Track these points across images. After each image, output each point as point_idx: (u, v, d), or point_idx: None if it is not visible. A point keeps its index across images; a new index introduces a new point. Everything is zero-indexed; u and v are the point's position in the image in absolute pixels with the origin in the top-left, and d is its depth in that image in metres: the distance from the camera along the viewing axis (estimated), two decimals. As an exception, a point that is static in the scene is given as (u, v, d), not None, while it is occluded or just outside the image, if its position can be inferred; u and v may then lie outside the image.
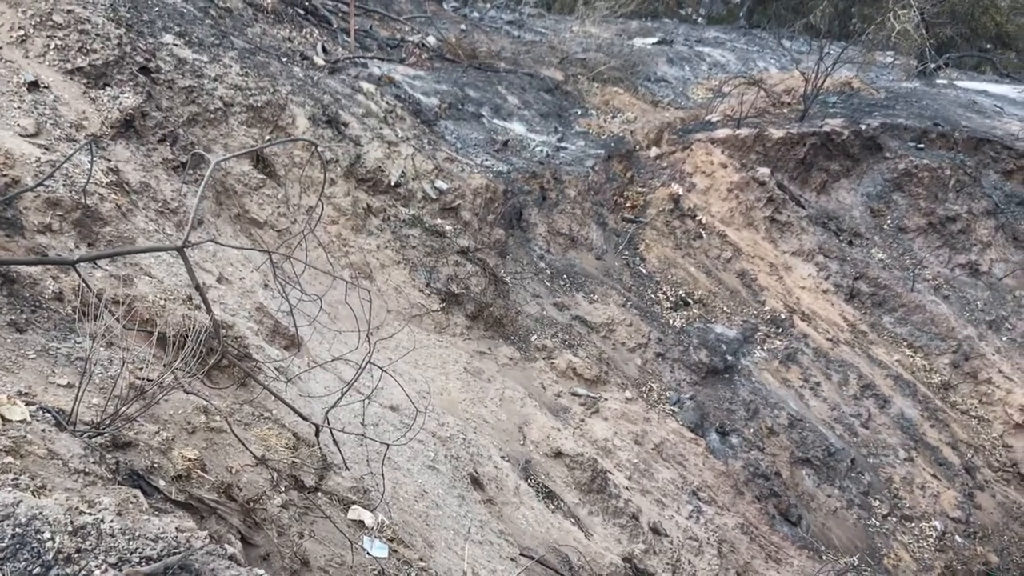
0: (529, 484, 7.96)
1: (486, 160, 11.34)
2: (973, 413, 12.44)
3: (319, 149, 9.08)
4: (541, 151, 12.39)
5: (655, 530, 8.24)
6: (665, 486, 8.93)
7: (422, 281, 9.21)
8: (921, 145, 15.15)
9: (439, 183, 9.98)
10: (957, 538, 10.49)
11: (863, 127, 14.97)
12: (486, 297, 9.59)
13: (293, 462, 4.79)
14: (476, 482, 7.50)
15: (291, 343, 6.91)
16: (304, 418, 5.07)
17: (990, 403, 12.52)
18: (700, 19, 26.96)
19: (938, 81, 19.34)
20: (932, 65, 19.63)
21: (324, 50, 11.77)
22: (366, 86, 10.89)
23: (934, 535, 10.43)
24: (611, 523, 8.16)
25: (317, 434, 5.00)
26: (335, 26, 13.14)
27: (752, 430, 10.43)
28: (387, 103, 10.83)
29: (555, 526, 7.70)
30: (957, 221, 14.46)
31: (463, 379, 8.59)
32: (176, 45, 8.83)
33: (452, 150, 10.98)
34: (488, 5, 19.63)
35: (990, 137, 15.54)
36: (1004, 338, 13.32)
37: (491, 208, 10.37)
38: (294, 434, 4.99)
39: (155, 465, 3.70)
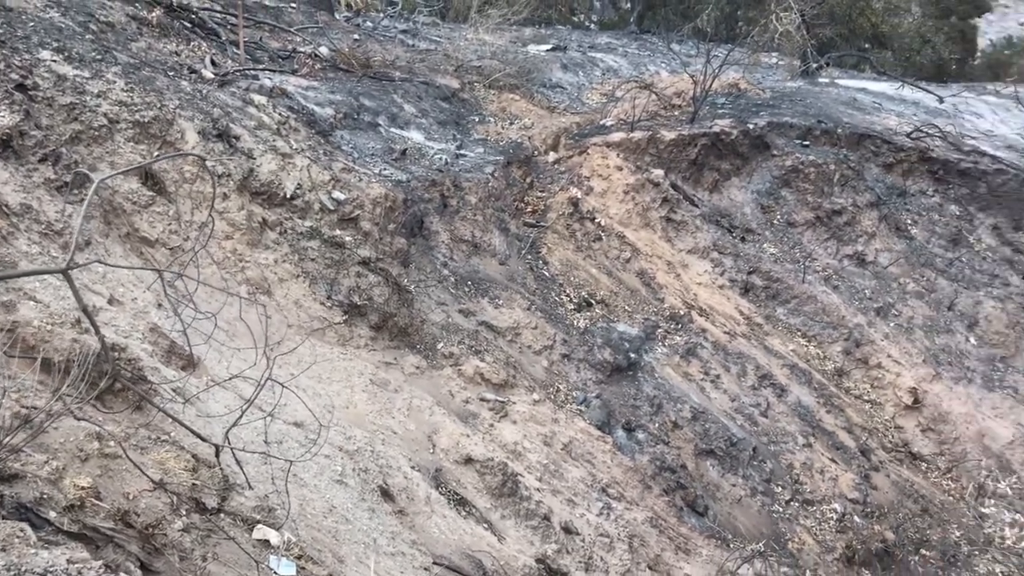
0: (440, 492, 7.95)
1: (384, 169, 11.29)
2: (866, 397, 12.98)
3: (210, 163, 8.89)
4: (440, 159, 12.40)
5: (567, 529, 8.34)
6: (575, 485, 9.05)
7: (323, 294, 9.11)
8: (806, 142, 15.74)
9: (337, 194, 9.89)
10: (856, 518, 10.92)
11: (751, 126, 15.47)
12: (390, 307, 9.55)
13: (193, 484, 4.69)
14: (386, 494, 7.46)
15: (188, 363, 6.75)
16: (203, 439, 4.97)
17: (881, 387, 13.09)
18: (592, 25, 27.43)
19: (820, 80, 20.11)
20: (814, 65, 20.40)
21: (213, 63, 11.54)
22: (257, 98, 10.72)
23: (834, 517, 10.83)
24: (523, 525, 8.22)
25: (217, 454, 4.90)
26: (224, 39, 12.89)
27: (657, 425, 10.66)
28: (280, 115, 10.69)
29: (468, 532, 7.71)
30: (843, 214, 15.07)
31: (369, 391, 8.53)
32: (55, 61, 8.53)
33: (349, 160, 10.90)
34: (381, 15, 19.55)
35: (871, 132, 16.24)
36: (891, 324, 13.94)
37: (391, 217, 10.33)
38: (193, 456, 4.88)
39: (45, 496, 3.57)
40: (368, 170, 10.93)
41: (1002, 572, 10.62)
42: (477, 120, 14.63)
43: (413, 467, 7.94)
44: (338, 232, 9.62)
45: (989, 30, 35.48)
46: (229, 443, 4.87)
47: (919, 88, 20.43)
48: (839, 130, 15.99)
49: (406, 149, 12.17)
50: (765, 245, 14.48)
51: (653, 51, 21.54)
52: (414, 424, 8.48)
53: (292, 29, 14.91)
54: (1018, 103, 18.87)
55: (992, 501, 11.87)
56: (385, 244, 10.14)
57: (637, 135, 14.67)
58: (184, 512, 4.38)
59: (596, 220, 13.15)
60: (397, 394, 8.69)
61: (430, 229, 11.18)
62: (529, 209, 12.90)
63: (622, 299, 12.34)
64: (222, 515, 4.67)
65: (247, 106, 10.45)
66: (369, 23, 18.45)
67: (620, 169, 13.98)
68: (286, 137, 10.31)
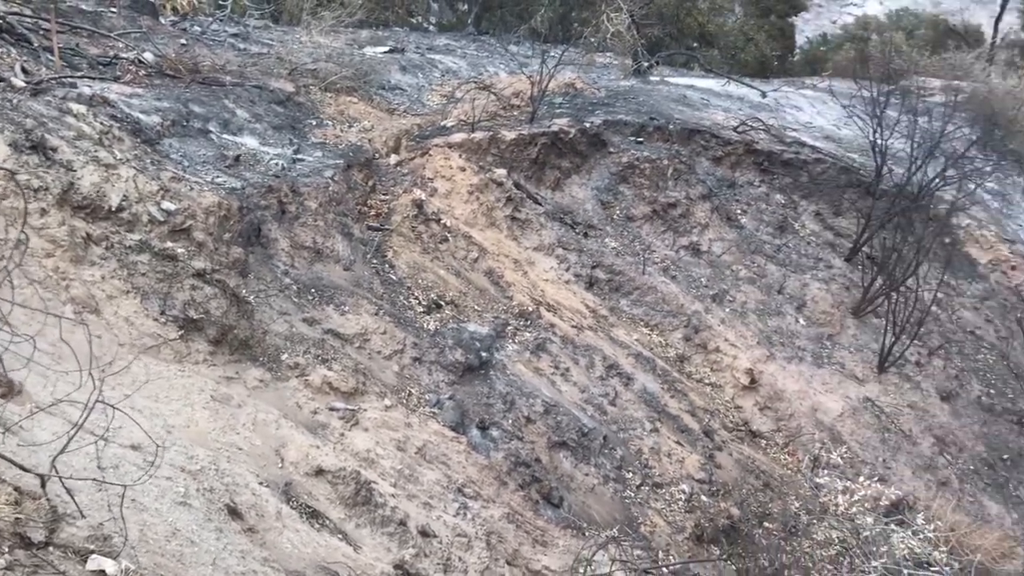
0: (291, 506, 7.77)
1: (217, 177, 10.91)
2: (707, 380, 13.54)
3: (24, 177, 8.34)
4: (276, 164, 12.09)
5: (424, 533, 8.30)
6: (431, 488, 9.02)
7: (156, 309, 8.71)
8: (640, 139, 16.27)
9: (167, 204, 9.48)
10: (703, 497, 11.37)
11: (588, 125, 15.85)
12: (229, 320, 9.23)
13: (17, 518, 4.40)
14: (234, 512, 7.23)
15: (8, 390, 6.34)
16: (25, 469, 4.67)
17: (720, 369, 13.69)
18: (431, 27, 27.41)
19: (652, 78, 20.83)
20: (645, 64, 21.11)
21: (24, 71, 10.84)
22: (76, 107, 10.14)
23: (683, 498, 11.24)
24: (380, 532, 8.13)
25: (43, 484, 4.62)
26: (36, 45, 12.13)
27: (510, 421, 10.76)
28: (102, 124, 10.14)
29: (322, 545, 7.57)
30: (677, 207, 15.66)
31: (211, 408, 8.22)
32: None
33: (179, 169, 10.46)
34: (210, 19, 18.88)
35: (700, 128, 16.96)
36: (727, 309, 14.60)
37: (226, 226, 9.99)
38: (16, 488, 4.58)
39: None
40: (200, 178, 10.53)
41: (838, 537, 11.27)
42: (314, 124, 14.36)
43: (261, 483, 7.72)
44: (169, 244, 9.22)
45: (806, 28, 37.72)
46: (56, 471, 4.61)
47: (744, 84, 21.49)
48: (671, 126, 16.61)
49: (240, 155, 11.79)
50: (607, 240, 14.87)
51: (491, 52, 21.74)
52: (260, 439, 8.23)
53: (113, 34, 14.18)
54: (833, 96, 20.12)
55: (826, 471, 12.62)
56: (221, 254, 9.80)
57: (478, 136, 14.76)
58: (6, 549, 4.12)
59: (442, 221, 13.15)
60: (241, 409, 8.41)
61: (268, 237, 10.88)
62: (372, 213, 12.76)
63: (471, 299, 12.40)
64: (51, 548, 4.41)
65: (64, 116, 9.87)
66: (197, 27, 17.78)
67: (463, 170, 14.04)
68: (109, 147, 9.79)
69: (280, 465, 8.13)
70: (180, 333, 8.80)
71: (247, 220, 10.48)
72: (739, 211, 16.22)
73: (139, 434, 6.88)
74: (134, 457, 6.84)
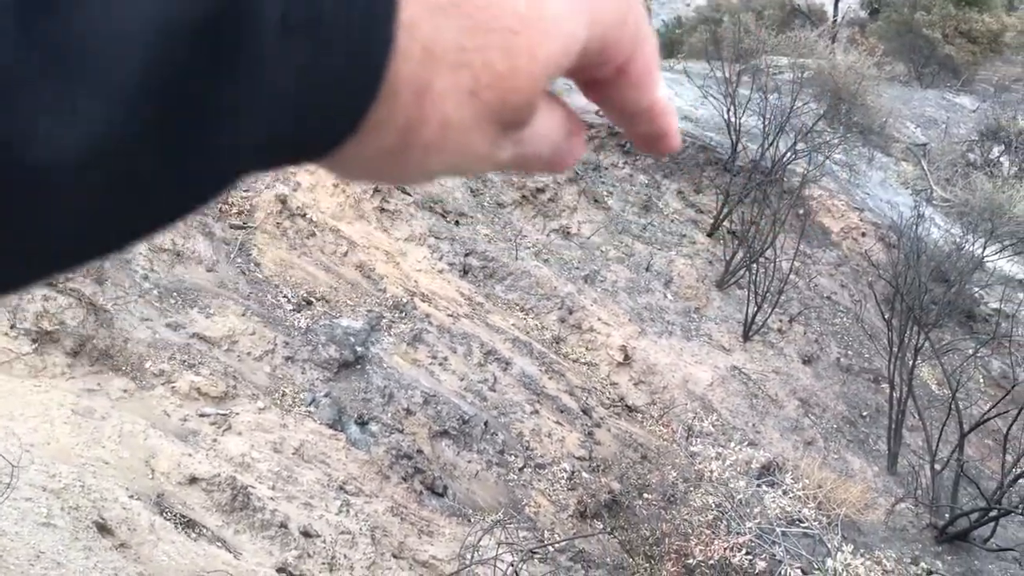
0: (165, 518, 7.54)
1: (65, 182, 10.38)
2: (583, 360, 13.79)
3: None
4: (130, 166, 11.60)
5: (306, 533, 8.18)
6: (311, 487, 8.88)
7: (5, 323, 8.25)
8: (506, 124, 16.36)
9: (10, 213, 8.97)
10: (584, 474, 11.60)
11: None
12: (86, 330, 8.82)
13: None
14: (104, 528, 6.98)
15: None
16: None
17: (595, 348, 13.96)
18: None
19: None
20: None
21: None
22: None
23: (565, 476, 11.44)
24: (260, 537, 7.97)
25: None
26: None
27: (390, 415, 10.69)
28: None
29: (200, 554, 7.38)
30: (546, 191, 15.86)
31: (72, 422, 7.86)
32: None
33: (22, 175, 9.91)
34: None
35: (563, 112, 17.18)
36: (599, 289, 14.91)
37: (78, 233, 9.53)
38: None
39: None
40: (46, 184, 10.00)
41: (714, 502, 11.67)
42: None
43: (132, 496, 7.46)
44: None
45: (661, 11, 38.75)
46: None
47: (603, 68, 21.87)
48: (535, 111, 16.76)
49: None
50: (478, 227, 14.93)
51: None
52: (128, 451, 7.93)
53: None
54: (688, 77, 20.74)
55: (699, 440, 13.06)
56: (75, 262, 9.34)
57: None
58: None
59: (307, 216, 12.90)
60: (105, 421, 8.07)
61: (126, 241, 10.44)
62: (234, 210, 12.40)
63: (343, 294, 12.23)
64: None
65: None
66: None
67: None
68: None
69: (151, 476, 7.87)
70: (34, 347, 8.36)
71: (100, 225, 10.02)
72: (605, 193, 16.56)
73: (-9, 456, 6.55)
74: (-12, 481, 6.50)
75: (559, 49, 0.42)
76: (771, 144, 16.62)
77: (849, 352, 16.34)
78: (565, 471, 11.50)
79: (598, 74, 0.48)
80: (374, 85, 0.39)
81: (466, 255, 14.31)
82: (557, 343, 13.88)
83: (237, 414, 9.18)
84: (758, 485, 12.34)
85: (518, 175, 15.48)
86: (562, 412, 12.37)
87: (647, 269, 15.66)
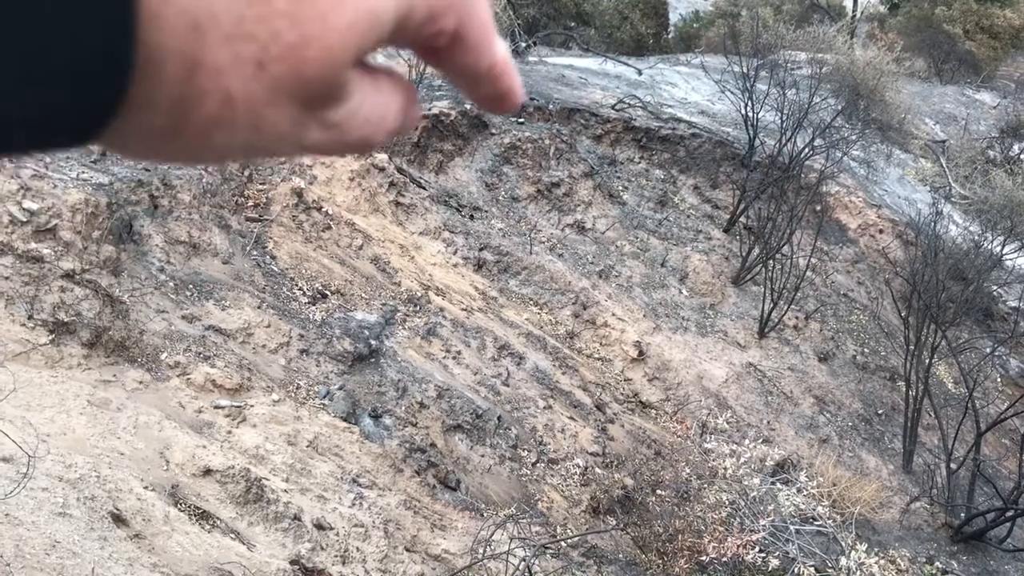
0: (180, 509, 7.57)
1: (83, 173, 10.43)
2: (596, 355, 13.77)
3: None
4: (147, 158, 11.63)
5: (319, 526, 8.20)
6: (324, 480, 8.90)
7: (23, 314, 8.29)
8: (521, 119, 16.33)
9: (28, 204, 9.01)
10: (597, 470, 11.58)
11: (468, 106, 15.81)
12: (103, 321, 8.86)
13: None
14: (119, 519, 7.02)
15: None
16: None
17: (609, 344, 13.93)
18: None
19: (530, 59, 20.92)
20: (523, 44, 21.18)
21: None
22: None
23: (578, 472, 11.43)
24: (273, 529, 7.99)
25: (-102, 507, 4.34)
26: None
27: (403, 408, 10.70)
28: (-49, 121, 9.55)
29: (214, 546, 7.40)
30: (561, 186, 15.82)
31: (88, 413, 7.90)
32: None
33: (40, 165, 9.95)
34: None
35: (579, 106, 17.16)
36: (613, 285, 14.87)
37: (95, 224, 9.57)
38: None
39: None
40: (63, 175, 10.05)
41: (728, 499, 11.65)
42: (186, 115, 13.88)
43: (147, 487, 7.50)
44: (34, 245, 8.78)
45: (679, 5, 38.59)
46: (-89, 492, 4.35)
47: (620, 62, 21.83)
48: (551, 106, 16.74)
49: (105, 149, 11.30)
50: (493, 221, 14.91)
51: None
52: (143, 442, 7.96)
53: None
54: (706, 72, 20.65)
55: (713, 437, 13.03)
56: (91, 253, 9.39)
57: (357, 121, 14.53)
58: None
59: (323, 209, 12.92)
60: (121, 412, 8.11)
61: (141, 233, 10.48)
62: (251, 203, 12.43)
63: (358, 287, 12.24)
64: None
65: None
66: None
67: (342, 155, 13.81)
68: (-40, 145, 9.23)
69: (165, 467, 7.90)
70: (51, 337, 8.40)
71: (117, 216, 10.06)
72: (621, 188, 16.50)
73: (9, 446, 6.59)
74: (6, 470, 6.56)
75: (360, 17, 0.39)
76: (789, 140, 16.52)
77: (865, 350, 16.24)
78: (578, 466, 11.49)
79: (432, 42, 0.46)
80: (123, 61, 0.35)
81: (480, 249, 14.30)
82: (571, 338, 13.85)
83: (252, 406, 9.21)
84: (772, 482, 12.31)
85: (533, 169, 15.46)
86: (575, 407, 12.35)
87: (662, 264, 15.61)
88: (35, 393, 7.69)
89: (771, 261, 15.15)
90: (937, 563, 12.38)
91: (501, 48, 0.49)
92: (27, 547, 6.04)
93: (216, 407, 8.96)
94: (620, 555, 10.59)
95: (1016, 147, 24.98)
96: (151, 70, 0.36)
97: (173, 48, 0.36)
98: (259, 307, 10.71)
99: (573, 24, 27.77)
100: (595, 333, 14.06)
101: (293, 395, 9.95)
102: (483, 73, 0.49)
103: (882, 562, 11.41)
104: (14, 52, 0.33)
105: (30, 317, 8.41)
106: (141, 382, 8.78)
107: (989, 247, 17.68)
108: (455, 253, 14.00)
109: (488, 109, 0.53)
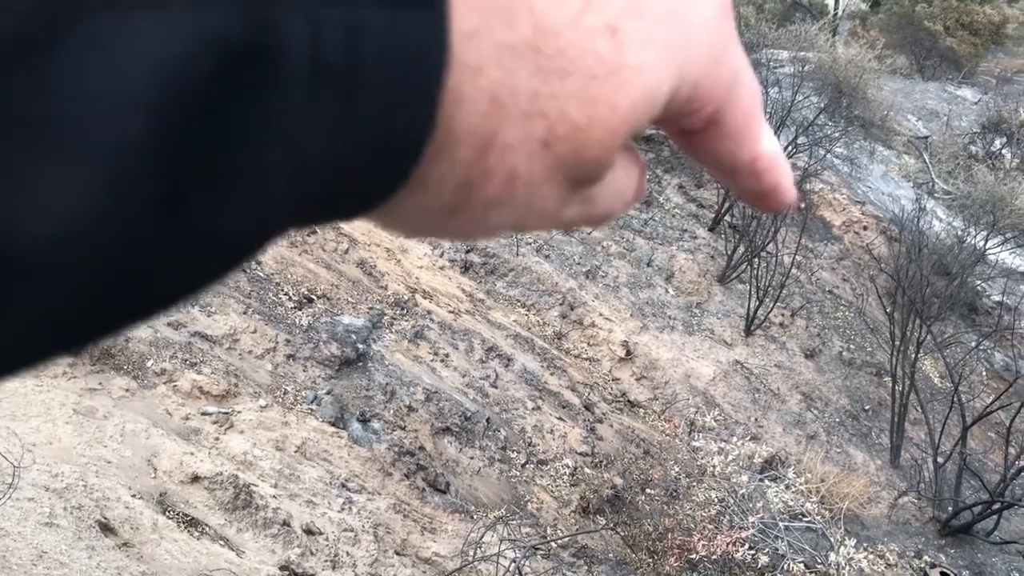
0: (168, 516, 7.56)
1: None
2: (584, 356, 13.80)
3: None
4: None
5: (308, 531, 8.19)
6: (313, 485, 8.89)
7: (7, 323, 8.26)
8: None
9: (11, 213, 8.97)
10: (586, 470, 11.60)
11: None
12: (88, 329, 8.83)
13: None
14: (107, 528, 7.00)
15: None
16: None
17: (596, 344, 13.97)
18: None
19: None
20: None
21: None
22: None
23: (567, 472, 11.45)
24: (263, 535, 7.98)
25: None
26: None
27: (392, 411, 10.70)
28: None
29: (203, 553, 7.39)
30: (546, 186, 15.85)
31: (74, 422, 7.87)
32: None
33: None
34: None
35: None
36: (600, 285, 14.90)
37: (79, 232, 9.54)
38: None
39: None
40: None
41: (717, 497, 11.70)
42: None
43: (135, 495, 7.48)
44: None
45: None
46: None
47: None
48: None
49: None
50: (479, 223, 14.91)
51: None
52: (130, 450, 7.94)
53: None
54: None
55: (701, 435, 13.08)
56: (75, 262, 9.35)
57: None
58: None
59: (308, 214, 12.90)
60: (107, 421, 8.09)
61: (127, 240, 10.45)
62: (236, 209, 12.41)
63: (344, 291, 12.23)
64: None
65: None
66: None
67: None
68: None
69: (153, 475, 7.88)
70: (34, 347, 8.36)
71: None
72: (606, 188, 16.54)
73: (-7, 457, 6.57)
74: (-10, 481, 6.52)
75: (642, 100, 0.37)
76: (772, 138, 16.58)
77: (851, 346, 16.33)
78: (567, 467, 11.51)
79: (686, 124, 0.43)
80: (419, 143, 0.34)
81: (467, 251, 14.31)
82: (559, 339, 13.88)
83: (239, 412, 9.19)
84: (760, 480, 12.36)
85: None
86: (564, 408, 12.38)
87: (648, 264, 15.65)
88: (20, 402, 7.65)
89: (756, 259, 15.22)
90: (926, 557, 12.46)
91: (768, 140, 0.45)
92: (14, 558, 6.01)
93: (203, 414, 8.94)
94: (610, 555, 10.62)
95: (997, 142, 25.17)
96: (443, 151, 0.35)
97: (470, 129, 0.35)
98: (245, 312, 10.69)
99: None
100: (583, 333, 14.09)
101: (280, 400, 9.93)
102: (742, 166, 0.45)
103: (871, 557, 11.47)
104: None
105: (14, 326, 8.37)
106: (127, 390, 8.75)
107: (972, 242, 17.81)
108: (441, 256, 14.01)
109: (750, 205, 0.49)
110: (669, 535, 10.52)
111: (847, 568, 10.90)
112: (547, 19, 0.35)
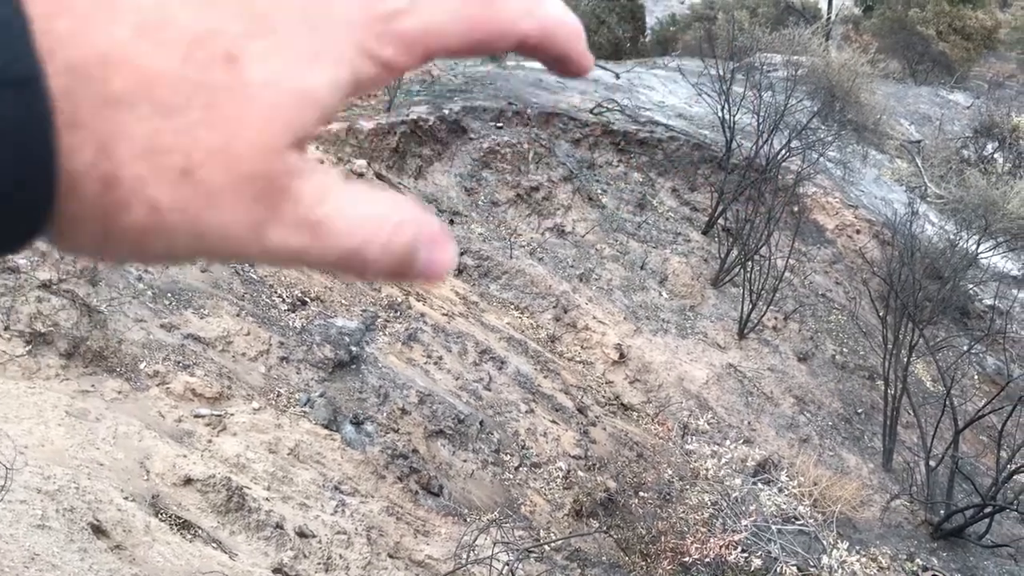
0: (160, 519, 7.53)
1: (59, 183, 10.37)
2: (578, 358, 13.80)
3: None
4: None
5: (301, 534, 8.17)
6: (306, 488, 8.87)
7: (-1, 325, 8.24)
8: (500, 124, 16.37)
9: (3, 214, 8.94)
10: (580, 473, 11.60)
11: (446, 112, 15.84)
12: (81, 331, 8.80)
13: None
14: (99, 530, 6.97)
15: None
16: None
17: (590, 347, 13.97)
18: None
19: (507, 63, 20.94)
20: (501, 49, 21.19)
21: None
22: None
23: (560, 475, 11.44)
24: (256, 537, 7.96)
25: None
26: None
27: (385, 414, 10.69)
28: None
29: (196, 555, 7.37)
30: (540, 190, 15.86)
31: (67, 424, 7.84)
32: None
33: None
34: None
35: (558, 111, 17.21)
36: (593, 288, 14.91)
37: (71, 234, 9.51)
38: None
39: None
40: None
41: (710, 500, 11.70)
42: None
43: (127, 497, 7.45)
44: (9, 256, 8.71)
45: (655, 8, 38.69)
46: None
47: (598, 66, 21.89)
48: (529, 110, 16.78)
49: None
50: (473, 226, 14.92)
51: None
52: (123, 452, 7.91)
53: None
54: (683, 75, 20.75)
55: (694, 438, 13.09)
56: (68, 263, 9.32)
57: (335, 126, 14.53)
58: None
59: (302, 216, 12.89)
60: (100, 423, 8.06)
61: (120, 242, 10.42)
62: (229, 211, 12.39)
63: (337, 293, 12.22)
64: None
65: None
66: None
67: (321, 161, 13.75)
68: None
69: (146, 477, 7.85)
70: (28, 348, 8.34)
71: (94, 226, 10.00)
72: (600, 191, 16.56)
73: (-15, 459, 6.54)
74: (-18, 483, 6.49)
75: (283, 100, 0.40)
76: (765, 142, 16.63)
77: (844, 349, 16.36)
78: (561, 470, 11.51)
79: (520, 48, 0.46)
80: (38, 192, 0.38)
81: (461, 254, 14.31)
82: (552, 342, 13.88)
83: (232, 415, 9.17)
84: (753, 483, 12.37)
85: (512, 174, 15.47)
86: (557, 411, 12.37)
87: (642, 267, 15.67)
88: (12, 404, 7.62)
89: (750, 262, 15.24)
90: (918, 560, 12.49)
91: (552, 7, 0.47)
92: (5, 560, 5.99)
93: (196, 416, 8.91)
94: (603, 557, 10.61)
95: (989, 147, 25.25)
96: (70, 189, 0.38)
97: (84, 171, 0.38)
98: (238, 315, 10.67)
99: (550, 28, 27.75)
100: (576, 336, 14.10)
101: (274, 403, 9.91)
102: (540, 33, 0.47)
103: (863, 560, 11.48)
104: None
105: (6, 328, 8.35)
106: (120, 392, 8.72)
107: (964, 246, 17.86)
108: (435, 258, 13.99)
109: (562, 73, 0.50)
110: (662, 538, 10.52)
111: (839, 571, 10.91)
112: (153, 66, 0.38)
